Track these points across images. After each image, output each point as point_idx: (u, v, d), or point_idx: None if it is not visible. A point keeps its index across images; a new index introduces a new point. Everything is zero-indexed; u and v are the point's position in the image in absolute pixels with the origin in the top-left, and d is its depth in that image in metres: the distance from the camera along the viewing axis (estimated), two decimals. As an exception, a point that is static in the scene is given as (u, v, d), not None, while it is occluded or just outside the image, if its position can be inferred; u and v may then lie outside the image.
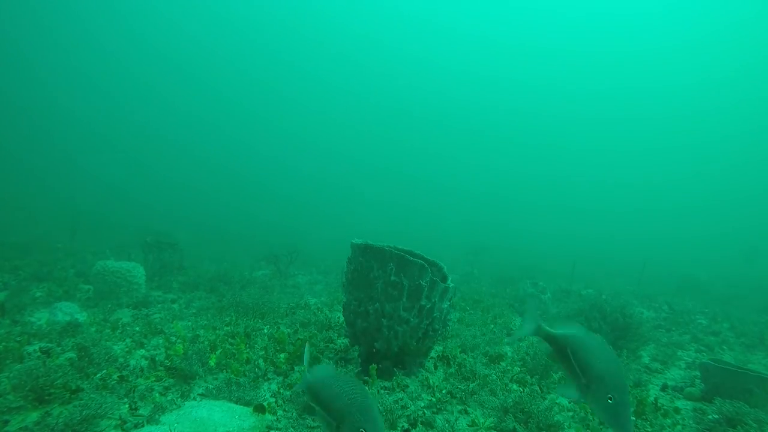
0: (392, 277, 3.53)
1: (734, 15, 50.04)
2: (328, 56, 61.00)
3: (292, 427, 2.83)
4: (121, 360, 3.76)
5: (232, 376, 3.49)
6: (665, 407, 3.73)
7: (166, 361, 3.72)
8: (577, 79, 60.56)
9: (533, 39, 59.44)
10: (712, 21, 51.68)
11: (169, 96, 56.60)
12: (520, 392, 3.61)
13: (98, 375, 3.37)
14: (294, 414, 2.97)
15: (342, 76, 63.55)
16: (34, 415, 2.74)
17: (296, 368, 3.84)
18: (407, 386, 3.60)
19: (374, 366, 3.50)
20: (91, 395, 2.96)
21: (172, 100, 56.89)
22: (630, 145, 58.80)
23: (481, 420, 3.13)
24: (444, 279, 3.78)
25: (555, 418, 3.14)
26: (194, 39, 54.18)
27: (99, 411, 2.64)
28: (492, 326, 6.11)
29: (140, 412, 2.87)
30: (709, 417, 3.63)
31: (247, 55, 58.85)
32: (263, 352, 4.09)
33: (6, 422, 2.64)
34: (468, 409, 3.36)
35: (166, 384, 3.35)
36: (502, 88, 63.36)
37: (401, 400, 3.32)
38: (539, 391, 3.87)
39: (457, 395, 3.51)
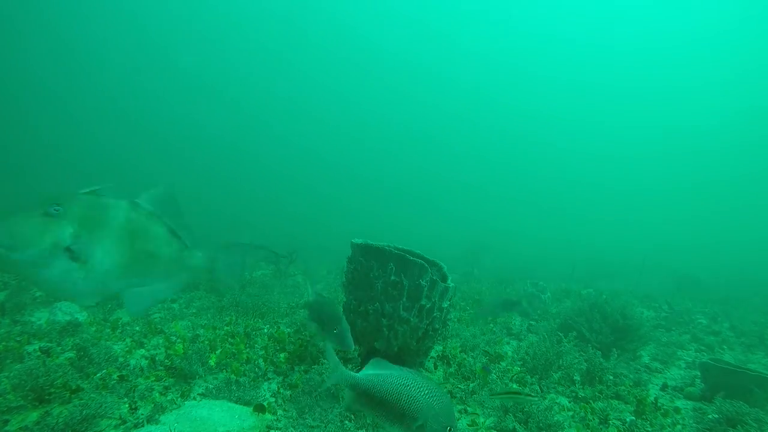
0: (392, 277, 3.53)
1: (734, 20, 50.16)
2: (336, 60, 61.23)
3: (292, 426, 2.83)
4: (121, 360, 3.76)
5: (232, 375, 3.49)
6: (665, 407, 3.74)
7: (166, 360, 3.73)
8: (578, 79, 60.59)
9: (540, 38, 59.58)
10: (717, 25, 51.78)
11: (171, 93, 56.63)
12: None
13: (98, 375, 3.37)
14: (294, 414, 2.97)
15: (348, 73, 63.61)
16: (34, 415, 2.74)
17: (296, 368, 3.84)
18: (407, 386, 3.60)
19: (374, 366, 3.50)
20: (91, 395, 2.97)
21: (174, 97, 56.92)
22: (630, 145, 58.83)
23: (481, 420, 3.14)
24: (444, 278, 3.78)
25: (555, 418, 3.15)
26: (199, 39, 54.21)
27: (99, 411, 2.64)
28: (492, 326, 6.11)
29: (140, 411, 2.88)
30: (709, 417, 3.63)
31: (253, 58, 58.98)
32: (263, 352, 4.09)
33: (6, 422, 2.64)
34: (468, 408, 3.36)
35: (166, 384, 3.36)
36: (504, 87, 63.41)
37: (401, 399, 3.32)
38: (539, 391, 3.88)
39: (457, 395, 3.52)
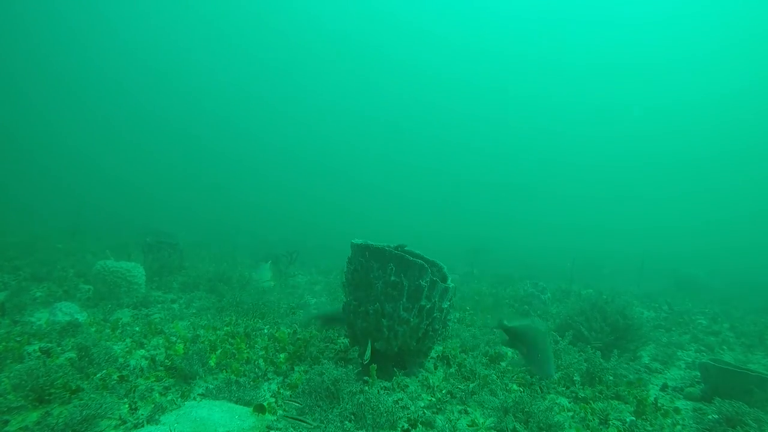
0: (392, 278, 3.53)
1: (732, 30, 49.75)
2: (332, 62, 61.23)
3: (292, 427, 2.83)
4: (121, 360, 3.76)
5: (232, 376, 3.49)
6: (665, 407, 3.73)
7: (166, 361, 3.72)
8: (571, 74, 60.35)
9: (532, 34, 59.42)
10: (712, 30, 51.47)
11: (172, 95, 56.66)
12: (520, 392, 3.62)
13: (98, 375, 3.37)
14: (294, 414, 2.97)
15: (345, 70, 63.53)
16: (35, 415, 2.74)
17: (296, 368, 3.84)
18: (407, 386, 3.60)
19: (374, 366, 3.49)
20: (91, 395, 2.96)
21: (175, 99, 56.96)
22: (629, 144, 58.78)
23: (481, 420, 3.14)
24: (444, 279, 3.78)
25: (555, 418, 3.14)
26: (197, 40, 54.16)
27: (99, 411, 2.64)
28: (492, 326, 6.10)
29: (140, 412, 2.88)
30: (709, 417, 3.63)
31: (248, 63, 59.03)
32: (263, 352, 4.09)
33: (6, 422, 2.64)
34: (468, 409, 3.36)
35: (166, 384, 3.35)
36: (499, 85, 63.31)
37: (401, 400, 3.33)
38: (539, 391, 3.87)
39: (457, 395, 3.51)
